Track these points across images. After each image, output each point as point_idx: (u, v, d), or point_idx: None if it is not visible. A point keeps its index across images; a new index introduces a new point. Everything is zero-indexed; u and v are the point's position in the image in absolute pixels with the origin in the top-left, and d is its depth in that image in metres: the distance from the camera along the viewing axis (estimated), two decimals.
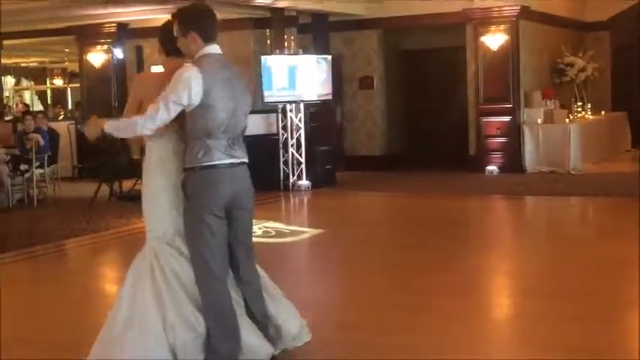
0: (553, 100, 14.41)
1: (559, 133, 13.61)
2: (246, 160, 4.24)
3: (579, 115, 14.98)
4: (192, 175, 4.08)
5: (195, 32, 4.11)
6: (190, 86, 3.98)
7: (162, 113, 4.02)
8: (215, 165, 4.07)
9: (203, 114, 4.04)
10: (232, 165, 4.14)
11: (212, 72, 4.07)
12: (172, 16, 4.22)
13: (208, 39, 4.14)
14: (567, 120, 14.12)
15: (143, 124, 4.05)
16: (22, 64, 21.11)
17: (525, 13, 13.67)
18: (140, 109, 4.18)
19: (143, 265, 4.24)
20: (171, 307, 4.14)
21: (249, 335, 4.21)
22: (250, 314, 4.28)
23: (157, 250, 4.21)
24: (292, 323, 4.45)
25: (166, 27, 4.26)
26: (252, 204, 4.32)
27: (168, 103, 4.00)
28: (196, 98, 4.01)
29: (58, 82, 21.31)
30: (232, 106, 4.13)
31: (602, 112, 15.94)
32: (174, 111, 4.02)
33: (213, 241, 4.09)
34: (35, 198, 11.63)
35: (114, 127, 4.18)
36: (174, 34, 4.17)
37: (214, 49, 4.17)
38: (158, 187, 4.22)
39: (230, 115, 4.11)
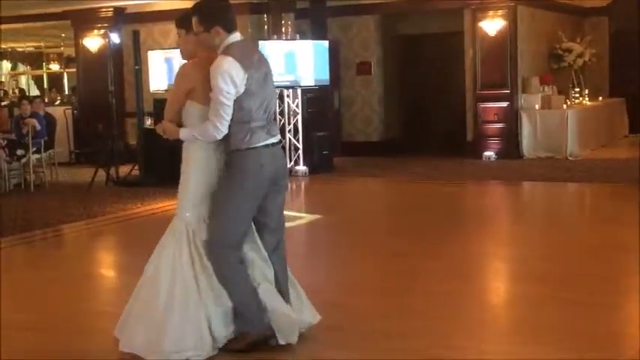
0: (551, 86, 14.39)
1: (557, 118, 13.60)
2: (280, 138, 4.43)
3: (577, 100, 14.97)
4: (239, 156, 4.24)
5: (218, 26, 4.23)
6: (232, 76, 4.13)
7: (223, 111, 4.16)
8: (260, 146, 4.24)
9: (247, 99, 4.20)
10: (273, 145, 4.33)
11: (245, 58, 4.21)
12: (191, 12, 4.30)
13: (231, 30, 4.26)
14: (565, 106, 14.10)
15: (217, 128, 4.19)
16: (19, 49, 21.03)
17: None
18: (190, 96, 4.29)
19: (180, 249, 4.30)
20: (209, 291, 4.27)
21: (283, 307, 4.35)
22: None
23: (194, 229, 4.32)
24: (306, 315, 4.58)
25: (207, 2, 4.34)
26: (287, 181, 4.54)
27: (222, 100, 4.14)
28: (241, 86, 4.16)
29: (55, 66, 21.21)
30: (266, 87, 4.31)
31: (600, 98, 15.93)
32: (230, 104, 4.16)
33: (240, 222, 4.26)
34: (32, 183, 11.61)
35: (189, 134, 4.29)
36: (195, 30, 4.27)
37: (237, 36, 4.29)
38: (201, 166, 4.33)
39: (266, 95, 4.29)
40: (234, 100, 4.16)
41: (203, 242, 4.31)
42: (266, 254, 4.42)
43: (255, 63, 4.24)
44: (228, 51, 4.18)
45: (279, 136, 4.41)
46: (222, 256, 4.25)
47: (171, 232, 4.38)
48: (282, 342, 4.34)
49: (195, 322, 4.22)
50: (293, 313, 4.40)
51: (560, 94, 14.46)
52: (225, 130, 4.18)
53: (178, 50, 4.57)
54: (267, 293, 4.35)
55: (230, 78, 4.11)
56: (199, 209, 4.34)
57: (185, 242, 4.30)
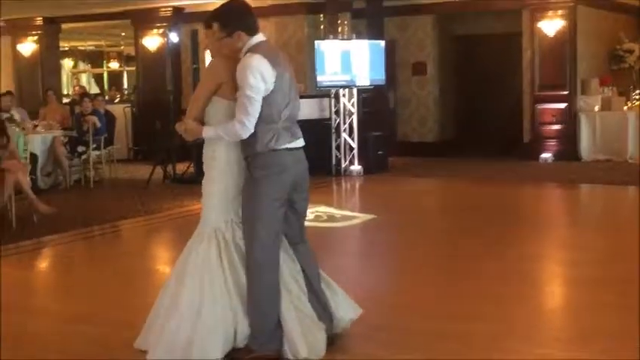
0: (611, 87, 14.14)
1: (616, 120, 13.36)
2: (303, 142, 4.33)
3: (637, 102, 14.65)
4: (262, 158, 4.15)
5: (240, 31, 4.19)
6: (262, 72, 4.07)
7: (252, 107, 4.07)
8: (283, 149, 4.17)
9: (275, 97, 4.14)
10: (297, 149, 4.26)
11: (272, 56, 4.17)
12: (211, 19, 4.25)
13: (254, 33, 4.23)
14: (625, 107, 13.84)
15: (244, 125, 4.08)
16: (80, 48, 21.48)
17: None
18: (218, 92, 4.21)
19: (209, 250, 4.25)
20: (237, 297, 4.23)
21: (301, 321, 4.25)
22: (310, 296, 4.34)
23: (224, 232, 4.25)
24: (345, 311, 4.52)
25: (227, 7, 4.29)
26: (308, 187, 4.42)
27: (252, 95, 4.06)
28: (270, 83, 4.11)
29: (114, 65, 21.62)
30: (291, 88, 4.26)
31: None
32: (259, 100, 4.08)
33: (269, 224, 4.16)
34: (92, 179, 11.84)
35: (212, 133, 4.19)
36: (216, 36, 4.22)
37: (260, 37, 4.26)
38: (225, 168, 4.23)
39: (291, 97, 4.24)
40: (263, 99, 4.10)
41: (236, 246, 4.25)
42: (294, 255, 4.36)
43: (281, 63, 4.20)
44: (254, 50, 4.15)
45: (302, 141, 4.30)
46: (256, 266, 4.17)
47: (199, 237, 4.31)
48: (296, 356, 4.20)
49: (224, 329, 4.19)
50: (317, 322, 4.28)
51: (620, 96, 14.19)
52: (251, 129, 4.08)
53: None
54: (289, 303, 4.25)
55: (260, 74, 4.05)
56: (227, 212, 4.26)
57: (214, 249, 4.23)
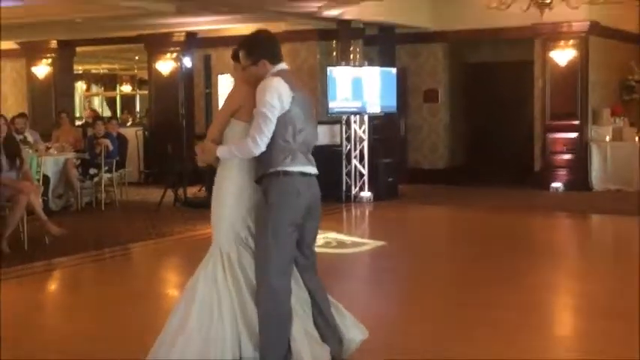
0: (622, 118, 14.15)
1: (628, 151, 13.36)
2: (316, 172, 4.39)
3: None
4: (276, 181, 4.21)
5: (265, 59, 4.32)
6: (280, 92, 4.18)
7: (265, 125, 4.15)
8: (299, 172, 4.23)
9: (291, 119, 4.21)
10: (310, 175, 4.31)
11: (292, 83, 4.27)
12: (239, 46, 4.40)
13: (278, 62, 4.36)
14: (637, 138, 13.83)
15: (255, 142, 4.15)
16: (93, 71, 21.65)
17: (595, 28, 13.47)
18: (236, 114, 4.31)
19: (215, 271, 4.31)
20: (242, 322, 4.25)
21: (309, 341, 4.26)
22: (317, 319, 4.36)
23: (229, 253, 4.30)
24: (354, 333, 4.52)
25: (254, 37, 4.42)
26: (320, 214, 4.45)
27: (266, 113, 4.15)
28: (287, 103, 4.19)
29: (127, 88, 21.77)
30: (309, 117, 4.35)
31: None
32: (274, 117, 4.16)
33: (283, 249, 4.20)
34: (103, 201, 11.89)
35: (226, 151, 4.27)
36: (242, 63, 4.35)
37: (283, 65, 4.38)
38: (234, 190, 4.30)
39: (308, 125, 4.32)
40: (279, 119, 4.17)
41: (241, 267, 4.28)
42: (301, 280, 4.38)
43: (300, 90, 4.30)
44: (276, 74, 4.28)
45: (316, 169, 4.36)
46: (272, 292, 4.19)
47: (209, 257, 4.38)
48: None
49: (231, 345, 4.21)
50: (321, 342, 4.30)
51: (631, 126, 14.19)
52: (263, 147, 4.15)
53: None
54: (298, 326, 4.27)
55: (277, 93, 4.15)
56: (235, 232, 4.31)
57: (220, 267, 4.29)
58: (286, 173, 4.21)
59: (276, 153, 4.20)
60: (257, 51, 4.33)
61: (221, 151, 4.27)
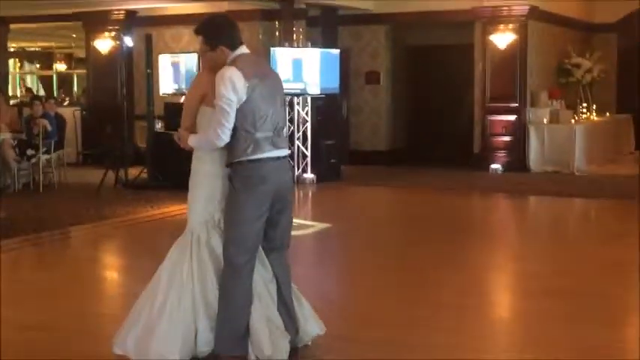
0: (559, 101, 14.44)
1: (564, 133, 13.64)
2: (288, 152, 4.41)
3: (584, 116, 15.01)
4: (241, 168, 4.22)
5: (223, 45, 4.29)
6: (234, 83, 4.14)
7: (225, 116, 4.15)
8: (263, 159, 4.23)
9: (251, 108, 4.19)
10: (278, 158, 4.30)
11: (248, 68, 4.23)
12: (196, 32, 4.37)
13: (236, 47, 4.32)
14: (573, 121, 14.15)
15: (217, 135, 4.18)
16: (28, 49, 21.10)
17: (534, 13, 13.69)
18: (203, 102, 4.33)
19: (183, 254, 4.33)
20: (201, 299, 4.27)
21: (270, 329, 4.29)
22: (279, 305, 4.40)
23: (199, 233, 4.33)
24: (312, 326, 4.58)
25: (212, 22, 4.40)
26: (292, 197, 4.51)
27: (223, 106, 4.15)
28: (242, 93, 4.16)
29: (62, 67, 21.28)
30: (273, 99, 4.31)
31: (607, 114, 15.97)
32: (231, 110, 4.16)
33: (248, 231, 4.22)
34: (41, 183, 11.64)
35: (196, 141, 4.33)
36: (199, 49, 4.37)
37: (243, 49, 4.34)
38: (209, 173, 4.35)
39: (273, 108, 4.29)
40: (238, 109, 4.17)
41: (209, 248, 4.33)
42: (268, 263, 4.42)
43: (259, 75, 4.26)
44: (232, 63, 4.24)
45: (286, 150, 4.39)
46: (233, 270, 4.23)
47: (180, 239, 4.42)
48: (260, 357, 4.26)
49: (183, 330, 4.24)
50: (283, 331, 4.34)
51: (568, 109, 14.50)
52: (226, 138, 4.17)
53: (185, 55, 4.60)
54: (260, 311, 4.31)
55: (232, 85, 4.13)
56: (208, 213, 4.36)
57: (187, 250, 4.33)
58: (250, 161, 4.21)
59: (238, 143, 4.20)
60: (215, 37, 4.30)
61: (192, 141, 4.33)
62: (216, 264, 4.32)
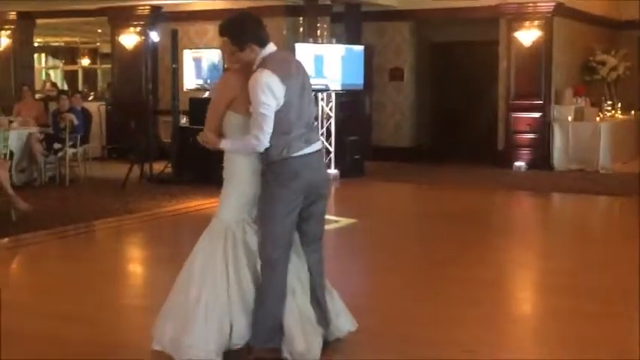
0: (584, 98, 14.35)
1: (589, 131, 13.56)
2: (321, 145, 4.42)
3: (609, 113, 14.91)
4: (274, 166, 4.24)
5: (252, 43, 4.25)
6: (272, 88, 4.14)
7: (267, 121, 4.15)
8: (296, 156, 4.24)
9: (286, 110, 4.21)
10: (309, 154, 4.30)
11: (282, 69, 4.22)
12: (220, 34, 4.31)
13: (265, 44, 4.29)
14: (598, 118, 14.06)
15: (259, 140, 4.17)
16: (53, 44, 21.25)
17: (560, 9, 13.62)
18: (231, 106, 4.28)
19: (214, 246, 4.33)
20: (236, 295, 4.29)
21: (303, 324, 4.33)
22: (312, 299, 4.42)
23: (234, 231, 4.33)
24: (343, 321, 4.59)
25: (236, 21, 4.32)
26: (327, 191, 4.53)
27: (263, 111, 4.14)
28: (280, 97, 4.17)
29: (86, 62, 21.42)
30: (304, 95, 4.31)
31: (632, 112, 15.84)
32: (272, 114, 4.15)
33: (281, 225, 4.24)
34: (67, 177, 11.74)
35: (232, 146, 4.29)
36: (228, 50, 4.30)
37: (272, 47, 4.31)
38: (244, 170, 4.33)
39: (304, 103, 4.31)
40: (276, 114, 4.17)
41: (245, 244, 4.34)
42: (304, 257, 4.44)
43: (292, 73, 4.26)
44: (264, 64, 4.20)
45: (319, 144, 4.40)
46: (268, 266, 4.27)
47: (209, 232, 4.41)
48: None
49: (219, 326, 4.25)
50: (316, 326, 4.37)
51: (593, 107, 14.41)
52: (266, 143, 4.17)
53: (207, 50, 4.53)
54: (293, 305, 4.33)
55: (270, 91, 4.11)
56: (241, 212, 4.36)
57: (222, 245, 4.32)
58: (283, 159, 4.23)
59: (273, 145, 4.20)
60: (243, 36, 4.25)
61: (225, 145, 4.30)
62: (250, 259, 4.33)
